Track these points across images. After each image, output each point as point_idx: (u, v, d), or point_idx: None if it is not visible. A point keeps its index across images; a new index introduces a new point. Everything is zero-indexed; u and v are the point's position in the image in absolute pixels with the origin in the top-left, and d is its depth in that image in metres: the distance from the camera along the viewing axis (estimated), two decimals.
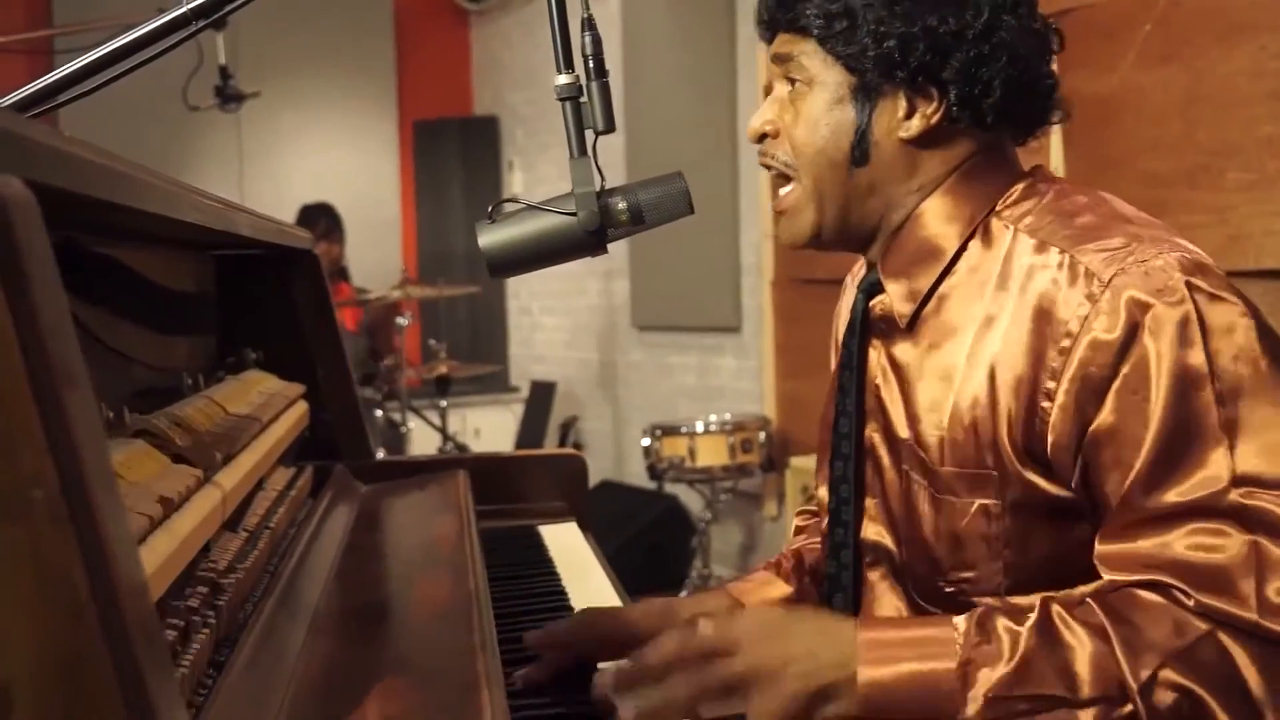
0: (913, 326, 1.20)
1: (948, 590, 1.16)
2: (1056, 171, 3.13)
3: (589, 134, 1.17)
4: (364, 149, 6.83)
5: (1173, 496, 1.01)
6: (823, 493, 1.33)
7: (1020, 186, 1.19)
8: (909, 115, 1.17)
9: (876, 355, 1.26)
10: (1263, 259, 2.66)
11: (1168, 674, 0.96)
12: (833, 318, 1.45)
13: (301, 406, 1.73)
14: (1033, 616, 1.02)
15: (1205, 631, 0.97)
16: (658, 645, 1.03)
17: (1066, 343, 1.05)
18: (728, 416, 4.35)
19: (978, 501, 1.12)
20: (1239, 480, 0.99)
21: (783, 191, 1.24)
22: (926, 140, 1.18)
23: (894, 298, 1.21)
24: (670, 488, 4.71)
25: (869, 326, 1.26)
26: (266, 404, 1.50)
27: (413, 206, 7.01)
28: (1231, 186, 2.74)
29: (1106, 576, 1.05)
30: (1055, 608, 1.02)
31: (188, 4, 1.17)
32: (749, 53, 4.60)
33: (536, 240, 1.17)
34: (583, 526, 1.90)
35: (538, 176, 6.48)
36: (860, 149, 1.18)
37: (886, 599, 1.24)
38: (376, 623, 1.12)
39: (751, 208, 4.61)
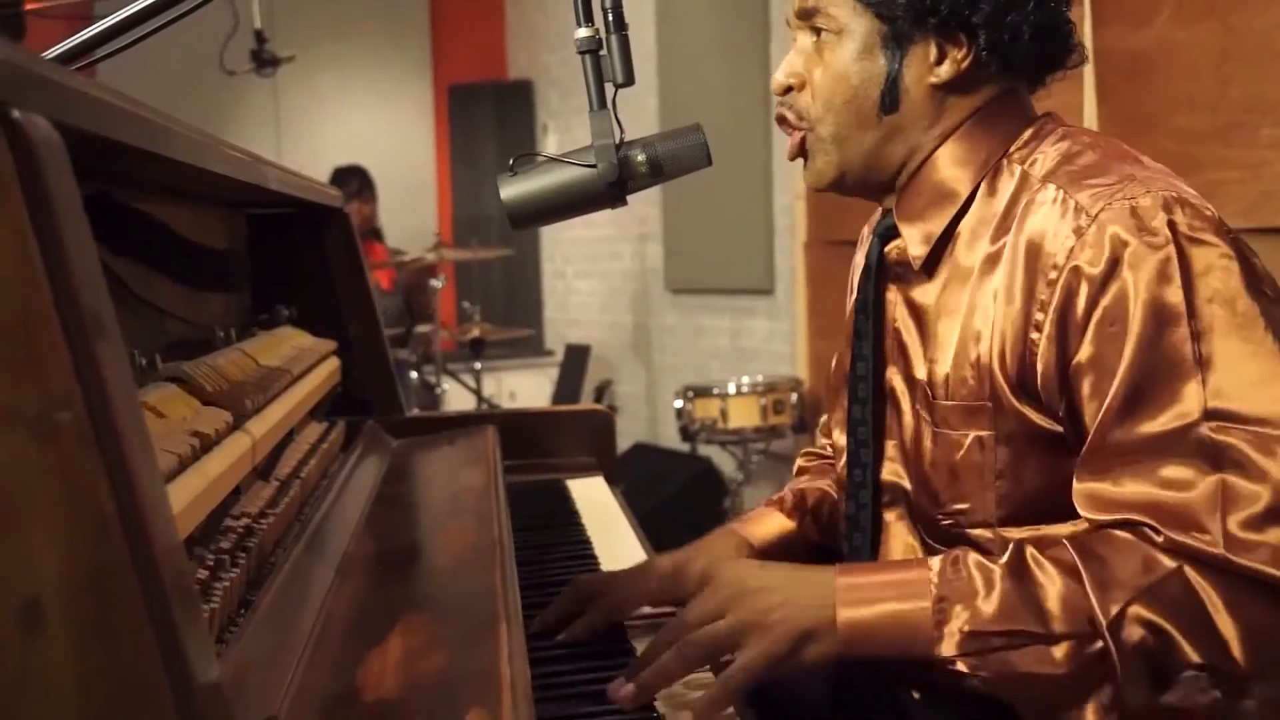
0: (930, 269, 1.22)
1: (944, 523, 1.19)
2: (1090, 126, 3.11)
3: (609, 87, 1.19)
4: (399, 113, 6.86)
5: (1144, 428, 1.03)
6: (838, 436, 1.34)
7: (1031, 130, 1.21)
8: (939, 61, 1.18)
9: (894, 299, 1.27)
10: None
11: (1136, 609, 0.98)
12: (850, 270, 1.46)
13: (333, 362, 1.76)
14: (1005, 556, 1.05)
15: (1173, 568, 0.99)
16: (655, 640, 1.07)
17: (1054, 274, 1.08)
18: (759, 378, 4.36)
19: (972, 433, 1.15)
20: (1210, 414, 1.01)
21: (796, 140, 1.25)
22: (954, 85, 1.19)
23: (909, 240, 1.23)
24: (703, 449, 4.73)
25: (885, 271, 1.28)
26: (298, 358, 1.53)
27: (448, 170, 7.04)
28: (1265, 143, 2.71)
29: (1083, 515, 1.07)
30: (1028, 548, 1.05)
31: None
32: (781, 13, 4.57)
33: (556, 192, 1.19)
34: (610, 481, 1.93)
35: (572, 139, 6.48)
36: (891, 96, 1.19)
37: (900, 538, 1.27)
38: (402, 566, 1.15)
39: (784, 170, 4.60)
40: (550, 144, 6.70)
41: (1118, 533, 1.03)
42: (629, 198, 1.22)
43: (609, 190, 1.18)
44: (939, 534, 1.20)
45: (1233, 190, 2.78)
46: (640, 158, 1.18)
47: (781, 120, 1.26)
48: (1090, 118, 3.12)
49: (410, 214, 6.54)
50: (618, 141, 1.18)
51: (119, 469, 0.51)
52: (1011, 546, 1.06)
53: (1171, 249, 1.04)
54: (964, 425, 1.16)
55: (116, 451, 0.51)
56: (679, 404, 4.29)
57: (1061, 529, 1.11)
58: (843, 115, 1.21)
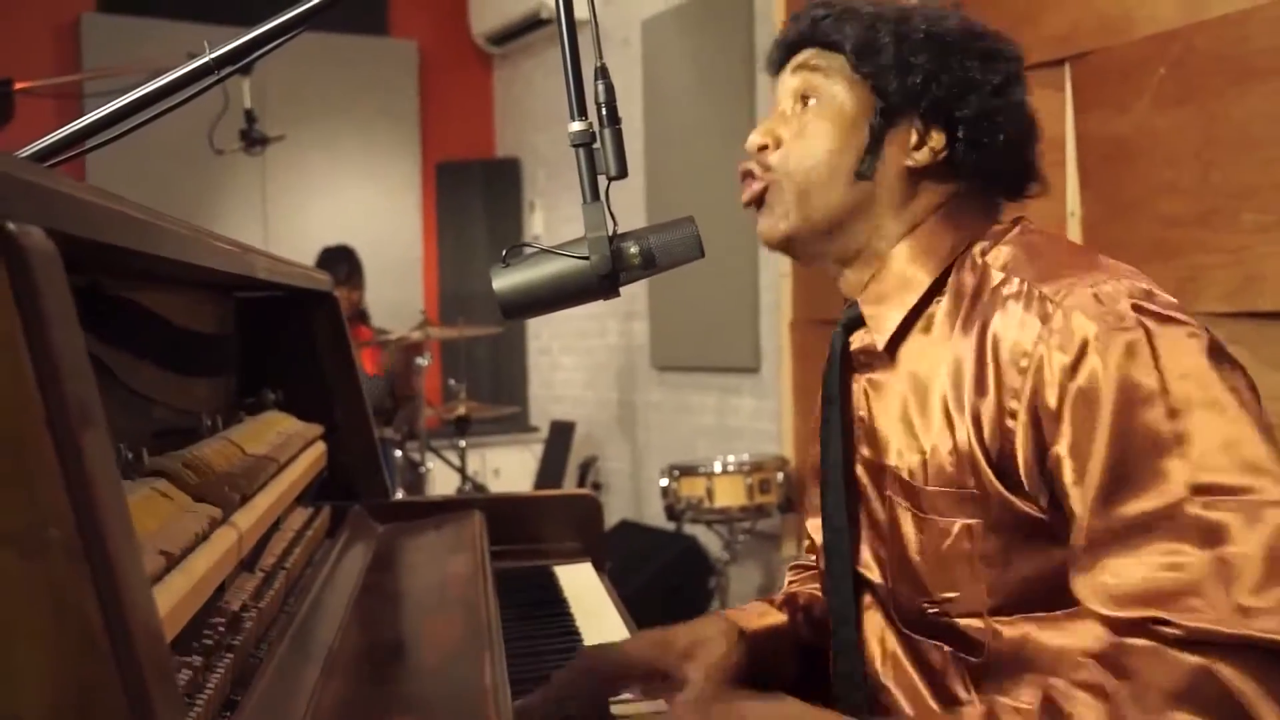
0: (893, 355, 1.24)
1: (931, 613, 1.18)
2: (1072, 213, 3.14)
3: (601, 179, 1.19)
4: (387, 190, 6.90)
5: (1132, 511, 1.02)
6: (812, 526, 1.34)
7: (997, 228, 1.25)
8: (918, 146, 1.23)
9: (859, 388, 1.29)
10: (1279, 300, 2.66)
11: (1179, 718, 0.96)
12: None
13: (320, 447, 1.75)
14: (1037, 704, 1.02)
15: (1201, 666, 0.97)
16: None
17: (1024, 363, 1.09)
18: (745, 457, 4.35)
19: (960, 521, 1.14)
20: (1196, 490, 1.00)
21: (755, 189, 1.29)
22: (927, 173, 1.24)
23: (872, 327, 1.25)
24: (689, 528, 4.70)
25: (848, 361, 1.30)
26: (284, 444, 1.52)
27: (434, 247, 7.07)
28: (1247, 228, 2.74)
29: (1094, 611, 1.05)
30: (1054, 685, 1.02)
31: (213, 52, 1.20)
32: (767, 96, 4.63)
33: (549, 283, 1.19)
34: (598, 567, 1.91)
35: (560, 217, 6.52)
36: (868, 164, 1.23)
37: (873, 629, 1.26)
38: (389, 663, 1.13)
39: None
40: (538, 221, 6.74)
41: (1137, 642, 1.00)
42: (621, 289, 1.22)
43: (601, 282, 1.18)
44: (923, 625, 1.19)
45: (1215, 275, 2.81)
46: (633, 250, 1.19)
47: (746, 174, 1.29)
48: (1073, 204, 3.15)
49: (396, 291, 6.55)
50: (611, 233, 1.18)
51: (108, 585, 0.50)
52: (1041, 694, 1.03)
53: (1139, 330, 1.05)
54: (952, 512, 1.15)
55: (106, 567, 0.50)
56: (664, 482, 4.28)
57: (1057, 617, 1.10)
58: (814, 172, 1.25)
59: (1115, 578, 1.03)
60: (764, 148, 1.28)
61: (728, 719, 1.08)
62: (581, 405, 6.35)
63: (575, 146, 1.20)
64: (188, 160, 5.05)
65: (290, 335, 1.87)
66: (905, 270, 1.24)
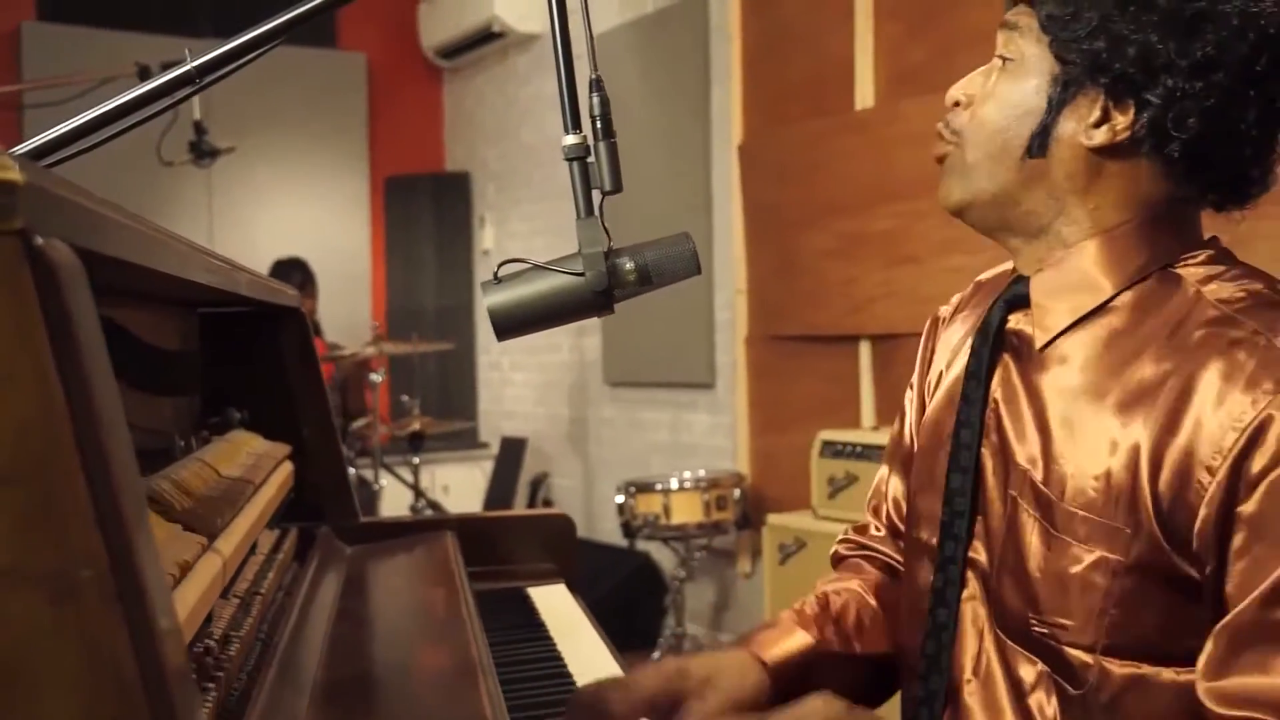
0: (1052, 354, 1.16)
1: (1038, 631, 1.11)
2: None
3: (596, 194, 1.16)
4: (335, 204, 6.82)
5: None
6: (897, 489, 1.29)
7: (1205, 253, 1.13)
8: (1099, 124, 1.12)
9: (1004, 371, 1.21)
10: None
11: None
12: (923, 341, 1.42)
13: (288, 467, 1.70)
14: None
15: None
16: None
17: (1243, 421, 1.00)
18: (702, 473, 4.34)
19: (1100, 553, 1.07)
20: None
21: (942, 148, 1.22)
22: (1108, 154, 1.12)
23: (1039, 316, 1.17)
24: (643, 545, 4.68)
25: (1001, 340, 1.22)
26: (256, 465, 1.47)
27: (383, 262, 7.00)
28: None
29: (1204, 703, 0.99)
30: None
31: (191, 61, 1.16)
32: (723, 112, 4.63)
33: (543, 301, 1.16)
34: (571, 588, 1.87)
35: (509, 232, 6.48)
36: (1040, 140, 1.14)
37: (971, 619, 1.20)
38: (380, 692, 1.09)
39: (725, 265, 4.63)
40: (488, 236, 6.69)
41: None
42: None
43: (597, 299, 1.15)
44: (1023, 636, 1.13)
45: None
46: (628, 266, 1.16)
47: (939, 135, 1.23)
48: None
49: (345, 306, 6.47)
50: (606, 249, 1.15)
51: (143, 630, 0.47)
52: None
53: None
54: (1091, 541, 1.08)
55: (141, 610, 0.47)
56: (620, 499, 4.25)
57: (1165, 673, 1.05)
58: (989, 143, 1.17)
59: (1247, 677, 0.97)
60: (957, 104, 1.21)
61: None
62: (533, 421, 6.30)
63: (569, 160, 1.16)
64: (133, 171, 4.94)
65: (256, 352, 1.82)
66: (1089, 270, 1.14)
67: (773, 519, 4.02)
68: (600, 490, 5.62)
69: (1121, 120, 1.11)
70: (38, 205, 0.47)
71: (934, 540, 1.25)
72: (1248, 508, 0.99)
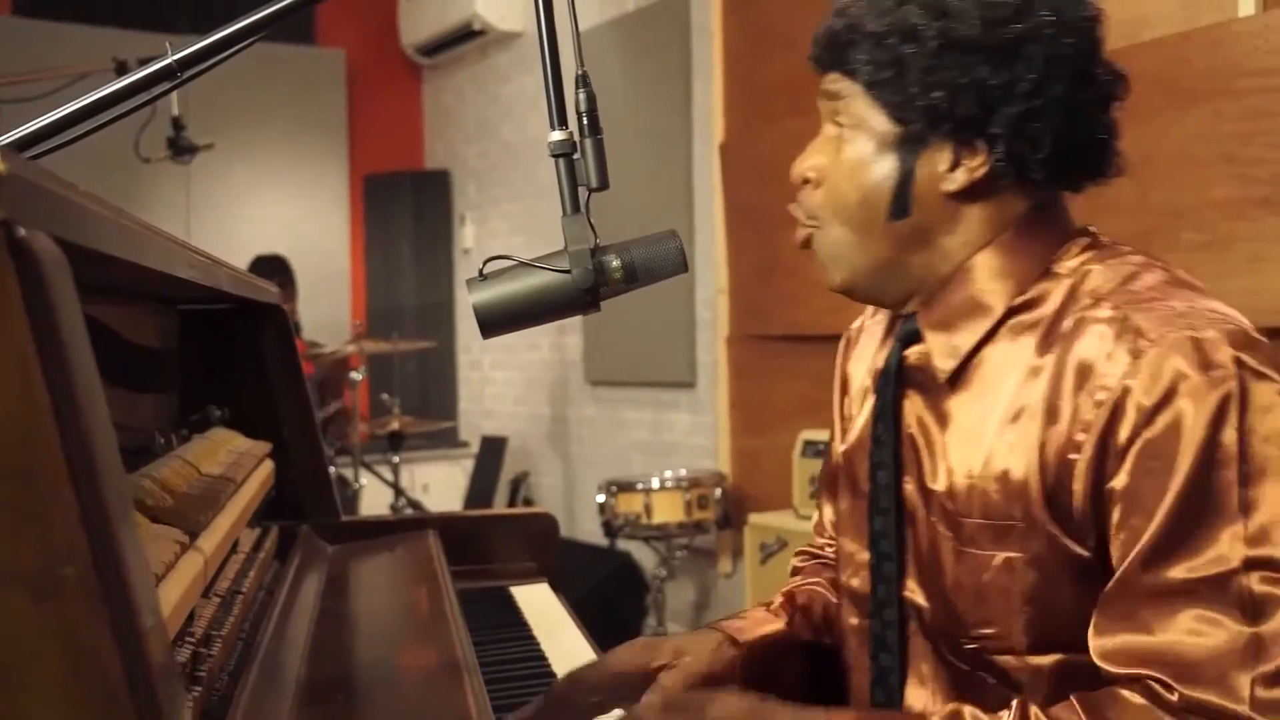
0: (953, 379, 1.17)
1: (968, 647, 1.13)
2: None
3: (582, 191, 1.15)
4: (314, 202, 6.78)
5: (1178, 573, 0.97)
6: (848, 544, 1.29)
7: (1078, 243, 1.16)
8: (953, 168, 1.12)
9: (911, 405, 1.22)
10: None
11: None
12: (837, 361, 1.42)
13: (268, 465, 1.69)
14: (1011, 716, 0.99)
15: None
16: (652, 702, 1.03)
17: (1102, 395, 1.02)
18: (683, 473, 4.33)
19: (1001, 554, 1.09)
20: (1251, 563, 0.96)
21: (803, 233, 1.21)
22: (971, 194, 1.13)
23: (935, 352, 1.17)
24: (624, 544, 4.66)
25: (904, 376, 1.22)
26: (237, 463, 1.46)
27: (363, 260, 6.96)
28: (1185, 247, 2.78)
29: (1097, 663, 1.01)
30: (1033, 708, 1.00)
31: (172, 55, 1.14)
32: (704, 111, 4.63)
33: (529, 298, 1.14)
34: (554, 587, 1.87)
35: (489, 230, 6.46)
36: (900, 202, 1.14)
37: (921, 657, 1.20)
38: (366, 693, 1.08)
39: (706, 264, 4.62)
40: (468, 234, 6.66)
41: (1129, 695, 0.98)
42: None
43: (583, 296, 1.14)
44: (963, 655, 1.14)
45: None
46: (615, 263, 1.14)
47: (796, 220, 1.22)
48: None
49: (324, 304, 6.44)
50: (592, 247, 1.14)
51: (128, 630, 0.46)
52: (1016, 706, 1.00)
53: (1234, 384, 0.98)
54: (993, 545, 1.09)
55: (125, 608, 0.46)
56: (601, 498, 4.24)
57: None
58: (851, 219, 1.17)
59: (1137, 636, 0.99)
60: (806, 181, 1.20)
61: (686, 713, 1.04)
62: (513, 420, 6.28)
63: (555, 157, 1.15)
64: (111, 168, 4.89)
65: (236, 350, 1.80)
66: (976, 295, 1.15)
67: (754, 518, 4.02)
68: (581, 489, 5.61)
69: (974, 160, 1.12)
70: (20, 196, 0.46)
71: (853, 582, 1.26)
72: (1119, 481, 1.01)
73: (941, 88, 1.09)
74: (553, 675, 1.42)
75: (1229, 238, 2.69)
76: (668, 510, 4.16)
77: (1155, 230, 2.83)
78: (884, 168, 1.15)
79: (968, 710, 1.01)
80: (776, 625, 1.31)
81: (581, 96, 1.15)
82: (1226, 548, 0.96)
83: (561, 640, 1.58)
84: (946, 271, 1.17)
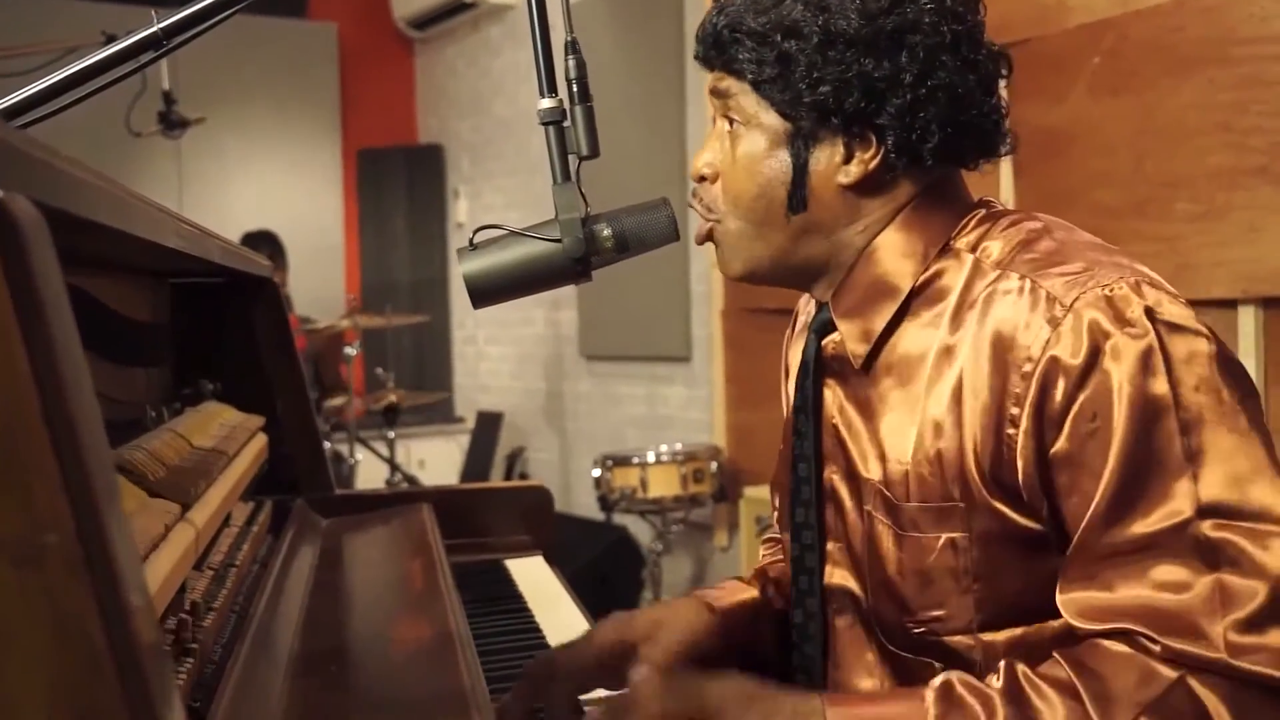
0: (869, 364, 1.18)
1: (916, 632, 1.13)
2: (1007, 203, 3.16)
3: (572, 159, 1.14)
4: (307, 177, 6.75)
5: (1136, 529, 0.99)
6: (786, 538, 1.30)
7: (974, 216, 1.17)
8: (846, 160, 1.14)
9: (832, 395, 1.22)
10: (1211, 288, 2.70)
11: None
12: (782, 346, 1.43)
13: (262, 439, 1.68)
14: (1000, 680, 1.00)
15: (1174, 679, 0.95)
16: (640, 703, 1.02)
17: (1028, 367, 1.03)
18: (679, 446, 4.33)
19: (944, 535, 1.09)
20: (1203, 511, 0.97)
21: (704, 227, 1.22)
22: (866, 184, 1.15)
23: (848, 338, 1.18)
24: (620, 518, 4.67)
25: (822, 366, 1.23)
26: (229, 437, 1.46)
27: (356, 235, 6.94)
28: (1180, 217, 2.78)
29: (1074, 624, 1.02)
30: (1020, 668, 1.00)
31: (158, 24, 1.13)
32: (698, 84, 4.61)
33: (520, 268, 1.14)
34: (549, 560, 1.86)
35: (483, 205, 6.44)
36: (798, 196, 1.15)
37: (854, 647, 1.21)
38: (358, 665, 1.07)
39: None
40: (461, 209, 6.64)
41: (1111, 645, 0.99)
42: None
43: (574, 265, 1.13)
44: (908, 642, 1.15)
45: (1149, 264, 2.82)
46: (606, 232, 1.14)
47: (693, 207, 1.23)
48: (1008, 193, 3.17)
49: (317, 279, 6.42)
50: (583, 215, 1.13)
51: (111, 597, 0.45)
52: (1004, 668, 1.01)
53: (1153, 338, 0.99)
54: (934, 528, 1.10)
55: (109, 578, 0.45)
56: (597, 473, 4.24)
57: (1047, 628, 1.07)
58: (750, 213, 1.17)
59: (1107, 593, 1.00)
60: (703, 178, 1.21)
61: (685, 696, 1.04)
62: (508, 395, 6.28)
63: (545, 125, 1.14)
64: (102, 142, 4.87)
65: (228, 323, 1.80)
66: (881, 276, 1.16)
67: (749, 492, 4.02)
68: (577, 464, 5.62)
69: (866, 152, 1.13)
70: (1, 159, 0.45)
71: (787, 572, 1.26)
72: (1060, 446, 1.02)
73: (827, 83, 1.10)
74: (546, 645, 1.42)
75: (1225, 207, 2.68)
76: (663, 484, 4.17)
77: (1150, 200, 2.83)
78: (778, 164, 1.15)
79: (956, 677, 1.01)
80: (751, 593, 1.32)
81: (571, 64, 1.15)
82: (1178, 499, 0.98)
83: (556, 612, 1.58)
84: (849, 258, 1.18)
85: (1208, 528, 0.97)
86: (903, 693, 1.06)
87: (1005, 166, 3.16)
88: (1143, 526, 0.98)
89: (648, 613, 1.23)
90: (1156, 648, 0.96)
